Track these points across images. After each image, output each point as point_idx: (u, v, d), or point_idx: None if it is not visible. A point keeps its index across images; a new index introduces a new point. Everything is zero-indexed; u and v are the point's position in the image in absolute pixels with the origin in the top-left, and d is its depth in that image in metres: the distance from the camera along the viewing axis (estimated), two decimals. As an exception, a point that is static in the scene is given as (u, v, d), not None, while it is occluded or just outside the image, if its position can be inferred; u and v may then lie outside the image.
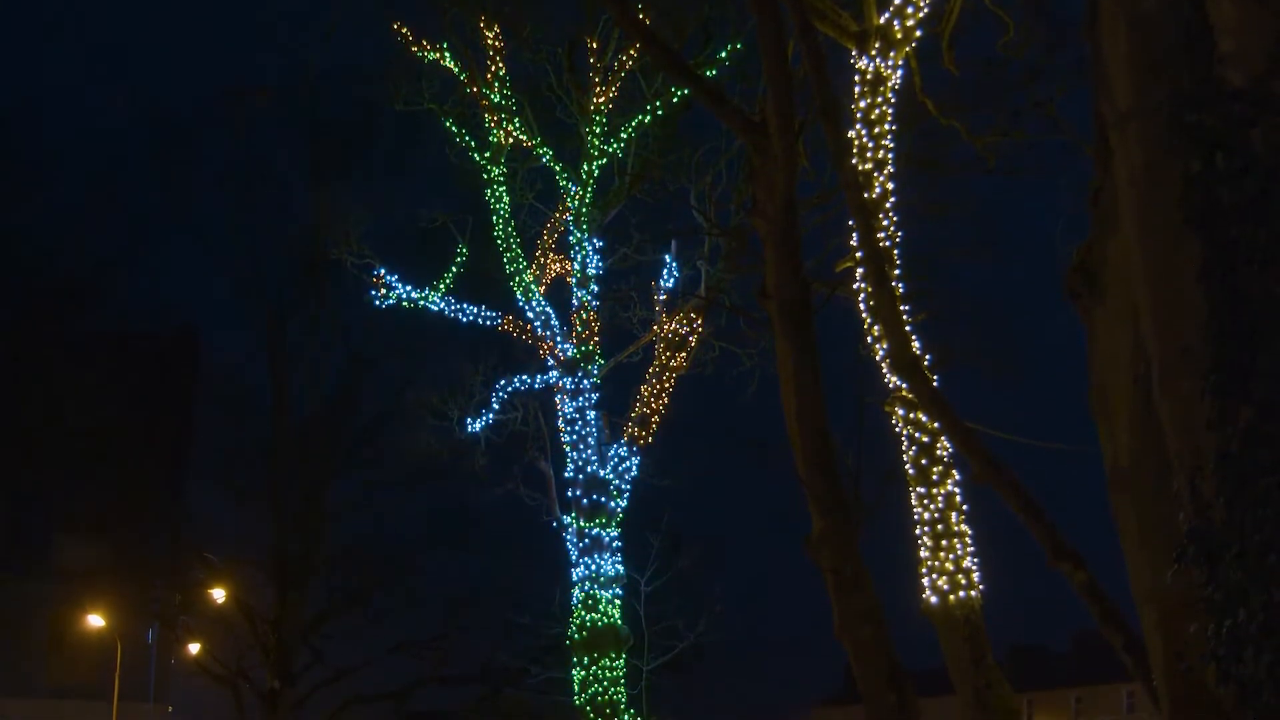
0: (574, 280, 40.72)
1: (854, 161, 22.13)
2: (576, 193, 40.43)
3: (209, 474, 61.47)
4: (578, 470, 39.26)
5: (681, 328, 39.88)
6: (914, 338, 24.65)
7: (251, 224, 58.10)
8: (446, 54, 39.99)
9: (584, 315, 40.20)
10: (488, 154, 40.71)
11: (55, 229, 56.13)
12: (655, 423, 40.10)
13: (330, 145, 56.71)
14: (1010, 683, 25.56)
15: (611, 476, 39.41)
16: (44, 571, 61.20)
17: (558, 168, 40.69)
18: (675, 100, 38.93)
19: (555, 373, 40.36)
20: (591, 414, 39.82)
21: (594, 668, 38.35)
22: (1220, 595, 8.88)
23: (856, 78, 26.24)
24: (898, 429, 25.83)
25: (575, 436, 39.50)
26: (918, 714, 20.56)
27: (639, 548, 44.05)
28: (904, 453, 25.84)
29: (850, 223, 24.93)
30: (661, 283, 40.50)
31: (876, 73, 26.09)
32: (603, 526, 38.97)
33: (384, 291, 41.19)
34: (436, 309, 41.44)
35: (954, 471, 25.36)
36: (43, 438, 54.14)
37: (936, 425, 23.75)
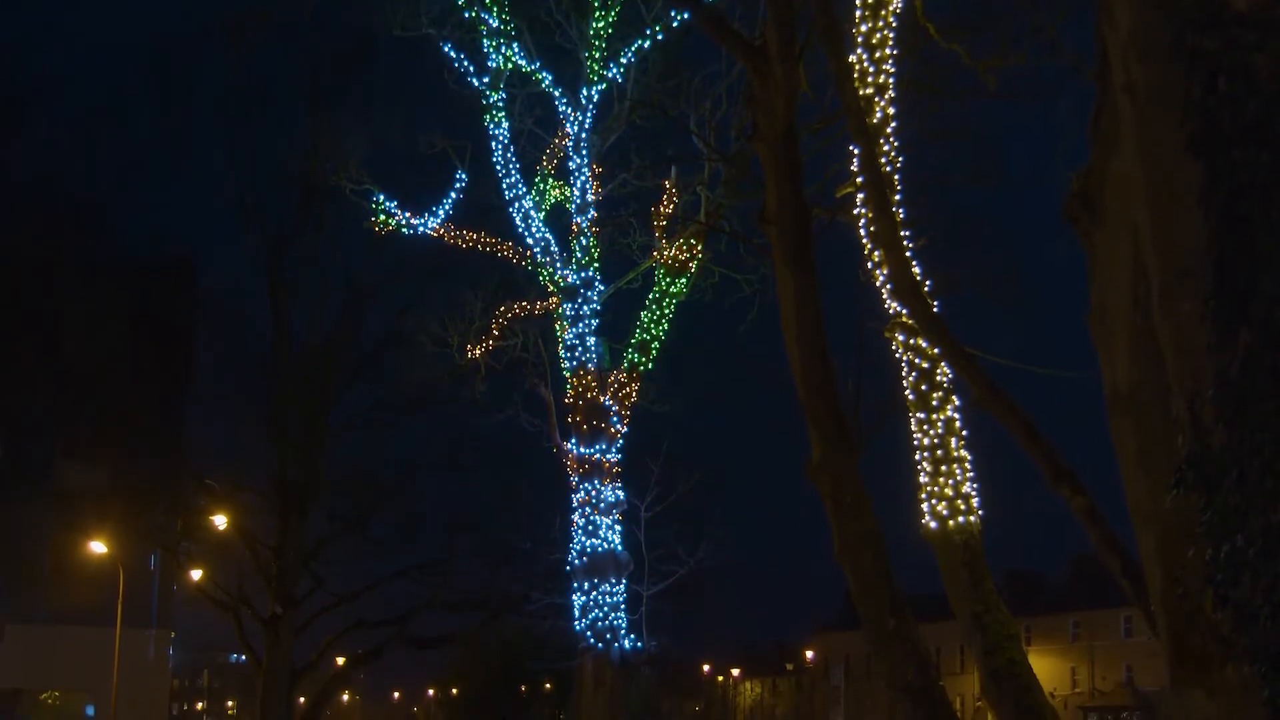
0: (573, 206, 40.64)
1: (855, 86, 21.99)
2: (576, 118, 40.28)
3: (209, 400, 61.55)
4: (578, 396, 39.31)
5: (681, 254, 39.84)
6: (914, 263, 24.61)
7: (249, 151, 57.74)
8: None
9: (584, 241, 40.15)
10: (486, 79, 40.53)
11: (53, 157, 55.93)
12: (655, 348, 40.13)
13: (328, 71, 56.32)
14: (1008, 607, 25.69)
15: (611, 403, 39.47)
16: (44, 497, 61.41)
17: (557, 93, 40.54)
18: (675, 24, 38.70)
19: (555, 299, 40.35)
20: (591, 340, 39.84)
21: (594, 593, 38.55)
22: (1218, 519, 8.89)
23: (858, 1, 26.07)
24: (898, 354, 25.83)
25: (575, 362, 39.55)
26: (917, 638, 20.68)
27: (639, 473, 44.12)
28: (904, 378, 25.85)
29: (851, 147, 24.84)
30: (661, 208, 40.40)
31: (878, -4, 25.92)
32: (603, 452, 39.07)
33: (383, 218, 41.11)
34: (436, 235, 41.39)
35: (954, 397, 25.39)
36: (42, 364, 54.17)
37: (936, 350, 23.76)
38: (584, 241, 40.11)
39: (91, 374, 54.37)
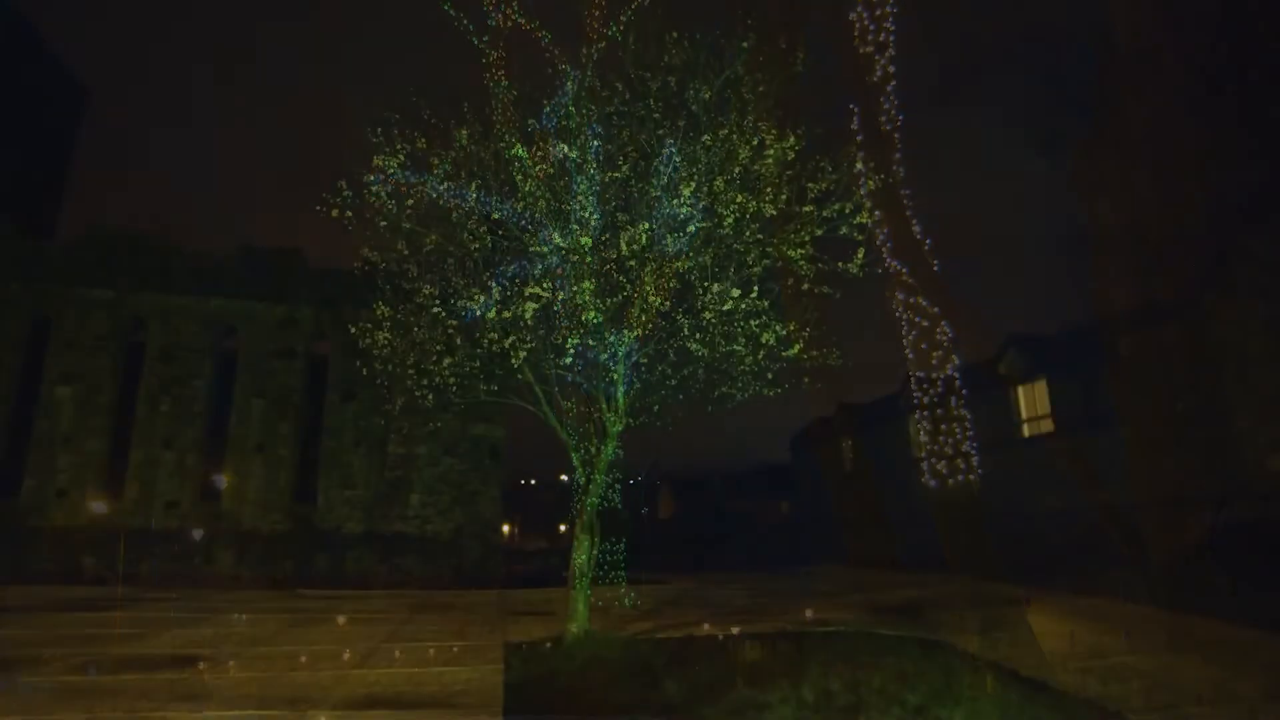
0: (573, 165, 40.50)
1: (855, 43, 21.90)
2: (575, 76, 40.12)
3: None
4: (579, 356, 39.26)
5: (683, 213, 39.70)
6: (914, 221, 24.60)
7: (248, 107, 57.73)
8: (441, -68, 39.55)
9: (584, 200, 40.00)
10: (485, 38, 40.37)
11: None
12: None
13: (327, 28, 56.21)
14: (1006, 568, 25.76)
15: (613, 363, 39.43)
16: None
17: (556, 51, 40.37)
18: (676, -18, 38.54)
19: (555, 258, 40.25)
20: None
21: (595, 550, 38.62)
22: (1219, 481, 8.93)
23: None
24: (898, 313, 25.86)
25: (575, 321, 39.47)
26: (916, 596, 20.74)
27: (639, 436, 44.14)
28: (904, 337, 25.90)
29: (851, 106, 24.80)
30: (662, 167, 40.23)
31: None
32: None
33: (382, 176, 40.98)
34: (435, 195, 41.27)
35: (954, 356, 25.45)
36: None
37: (937, 309, 23.79)
38: (584, 201, 39.94)
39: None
